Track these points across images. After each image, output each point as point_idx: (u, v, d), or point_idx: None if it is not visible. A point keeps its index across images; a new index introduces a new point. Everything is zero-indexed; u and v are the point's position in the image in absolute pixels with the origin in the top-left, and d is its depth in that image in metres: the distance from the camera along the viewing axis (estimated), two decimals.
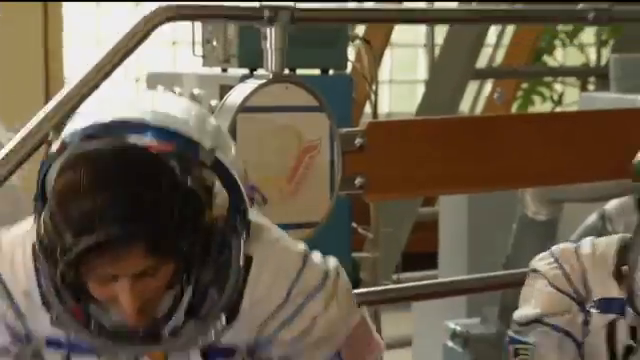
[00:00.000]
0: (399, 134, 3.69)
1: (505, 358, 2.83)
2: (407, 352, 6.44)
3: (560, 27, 9.55)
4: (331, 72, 5.37)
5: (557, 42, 10.08)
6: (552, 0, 7.69)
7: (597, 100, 6.74)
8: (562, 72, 9.83)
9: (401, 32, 9.06)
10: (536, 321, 2.71)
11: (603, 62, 8.28)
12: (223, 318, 2.32)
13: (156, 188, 2.16)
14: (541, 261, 2.80)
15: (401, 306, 5.74)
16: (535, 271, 2.80)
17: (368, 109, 6.69)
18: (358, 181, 3.44)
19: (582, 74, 9.10)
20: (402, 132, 3.75)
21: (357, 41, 6.34)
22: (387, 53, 9.04)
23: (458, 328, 5.55)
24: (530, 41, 8.95)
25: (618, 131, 4.01)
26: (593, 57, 9.20)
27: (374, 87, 6.52)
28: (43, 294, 2.35)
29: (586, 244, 2.77)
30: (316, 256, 2.42)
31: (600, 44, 8.80)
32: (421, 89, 7.91)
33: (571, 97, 9.60)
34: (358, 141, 3.46)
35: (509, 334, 2.78)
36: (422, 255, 6.53)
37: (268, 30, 3.44)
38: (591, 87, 8.45)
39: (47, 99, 7.19)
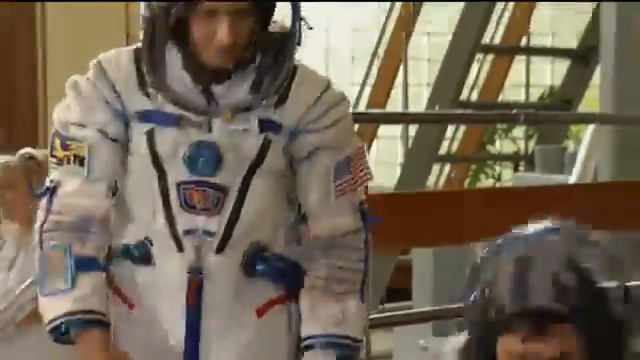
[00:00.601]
0: (384, 203, 3.69)
1: None
2: None
3: (498, 125, 9.57)
4: None
5: (496, 136, 10.10)
6: (492, 106, 7.76)
7: (526, 178, 6.75)
8: (500, 158, 9.84)
9: (384, 128, 9.06)
10: None
11: (530, 151, 8.28)
12: (275, 97, 2.27)
13: None
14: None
15: (385, 328, 5.71)
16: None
17: None
18: None
19: (515, 159, 9.10)
20: (386, 202, 3.74)
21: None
22: (374, 143, 9.04)
23: (427, 345, 5.53)
24: (477, 135, 8.96)
25: (541, 200, 4.01)
26: (522, 147, 9.21)
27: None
28: (141, 75, 2.27)
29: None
30: None
31: (527, 138, 8.80)
32: (399, 169, 7.91)
33: (507, 176, 9.59)
34: None
35: None
36: (400, 290, 6.50)
37: None
38: (521, 169, 8.44)
39: None
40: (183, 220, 2.26)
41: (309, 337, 2.35)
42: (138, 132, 2.27)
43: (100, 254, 2.30)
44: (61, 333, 2.25)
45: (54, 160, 2.30)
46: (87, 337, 2.23)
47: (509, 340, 1.87)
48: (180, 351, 2.31)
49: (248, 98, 2.27)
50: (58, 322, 2.23)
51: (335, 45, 9.72)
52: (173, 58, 2.28)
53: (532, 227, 1.98)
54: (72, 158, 2.28)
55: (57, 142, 2.29)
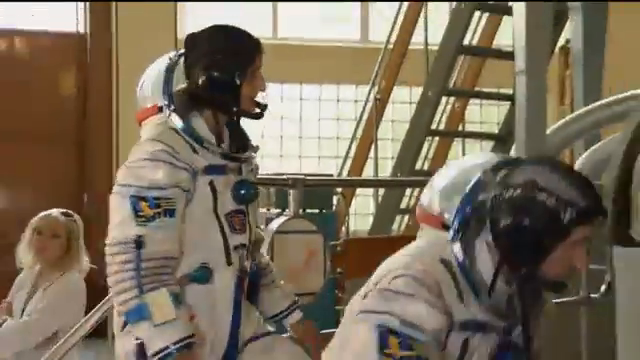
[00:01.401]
0: (361, 245, 3.68)
1: None
2: None
3: None
4: (324, 211, 5.36)
5: None
6: None
7: None
8: None
9: (361, 189, 9.03)
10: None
11: None
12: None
13: None
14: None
15: None
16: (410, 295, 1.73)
17: (344, 229, 6.70)
18: (339, 270, 3.40)
19: None
20: (362, 244, 3.74)
21: (338, 195, 6.36)
22: (354, 200, 9.00)
23: None
24: None
25: None
26: None
27: (347, 218, 6.51)
28: (187, 142, 2.27)
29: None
30: None
31: None
32: (371, 219, 7.91)
33: None
34: (339, 249, 3.43)
35: (393, 326, 1.72)
36: None
37: (291, 190, 3.45)
38: None
39: None
40: (232, 240, 2.32)
41: (285, 309, 2.54)
42: (203, 183, 2.29)
43: None
44: (166, 356, 2.13)
45: (142, 219, 2.19)
46: (191, 356, 2.17)
47: (581, 231, 1.70)
48: (226, 335, 2.33)
49: (251, 149, 2.41)
50: (177, 346, 2.13)
51: (325, 131, 9.79)
52: (200, 123, 2.32)
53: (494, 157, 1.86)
54: (162, 213, 2.20)
55: (143, 204, 2.20)
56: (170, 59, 2.40)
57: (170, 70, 2.37)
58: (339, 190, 6.55)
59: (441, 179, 1.94)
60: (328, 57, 9.22)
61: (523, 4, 4.94)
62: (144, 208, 2.20)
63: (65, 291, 3.51)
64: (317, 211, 5.25)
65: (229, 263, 2.32)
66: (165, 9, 7.75)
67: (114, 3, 7.94)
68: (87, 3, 8.48)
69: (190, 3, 9.15)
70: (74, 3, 8.49)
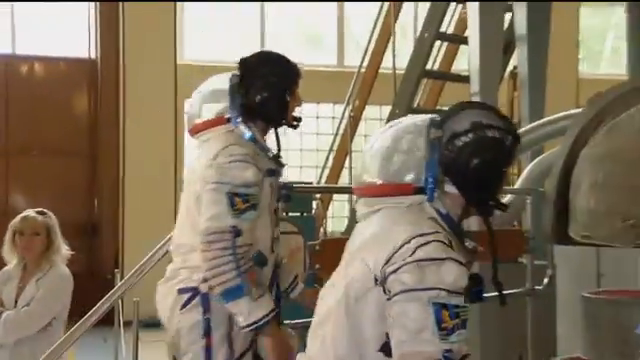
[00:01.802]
0: (336, 244, 3.67)
1: None
2: None
3: None
4: (305, 214, 5.35)
5: None
6: None
7: None
8: None
9: (337, 196, 9.04)
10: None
11: None
12: None
13: None
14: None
15: None
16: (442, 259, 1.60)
17: (322, 230, 6.70)
18: (317, 266, 3.39)
19: None
20: (338, 243, 3.73)
21: (317, 200, 6.37)
22: (331, 204, 9.01)
23: None
24: None
25: None
26: None
27: (325, 220, 6.52)
28: (254, 150, 2.36)
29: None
30: None
31: None
32: (346, 221, 7.91)
33: None
34: (317, 248, 3.43)
35: (442, 301, 1.57)
36: None
37: None
38: None
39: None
40: (276, 232, 2.44)
41: (291, 283, 2.64)
42: (267, 183, 2.39)
43: None
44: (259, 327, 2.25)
45: (236, 212, 2.27)
46: (277, 325, 2.30)
47: (515, 151, 1.71)
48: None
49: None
50: (270, 316, 2.25)
51: (306, 144, 9.82)
52: (257, 133, 2.44)
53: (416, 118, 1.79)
54: (250, 207, 2.29)
55: (237, 199, 2.28)
56: (231, 80, 2.44)
57: (234, 89, 2.43)
58: (318, 196, 6.56)
59: (379, 145, 1.72)
60: (308, 79, 9.24)
61: (477, 35, 5.00)
62: (238, 203, 2.27)
63: (57, 283, 3.48)
64: (299, 214, 5.23)
65: (272, 251, 2.42)
66: (166, 38, 7.75)
67: (121, 33, 7.92)
68: (98, 33, 8.47)
69: (187, 34, 9.14)
70: (87, 33, 8.48)
